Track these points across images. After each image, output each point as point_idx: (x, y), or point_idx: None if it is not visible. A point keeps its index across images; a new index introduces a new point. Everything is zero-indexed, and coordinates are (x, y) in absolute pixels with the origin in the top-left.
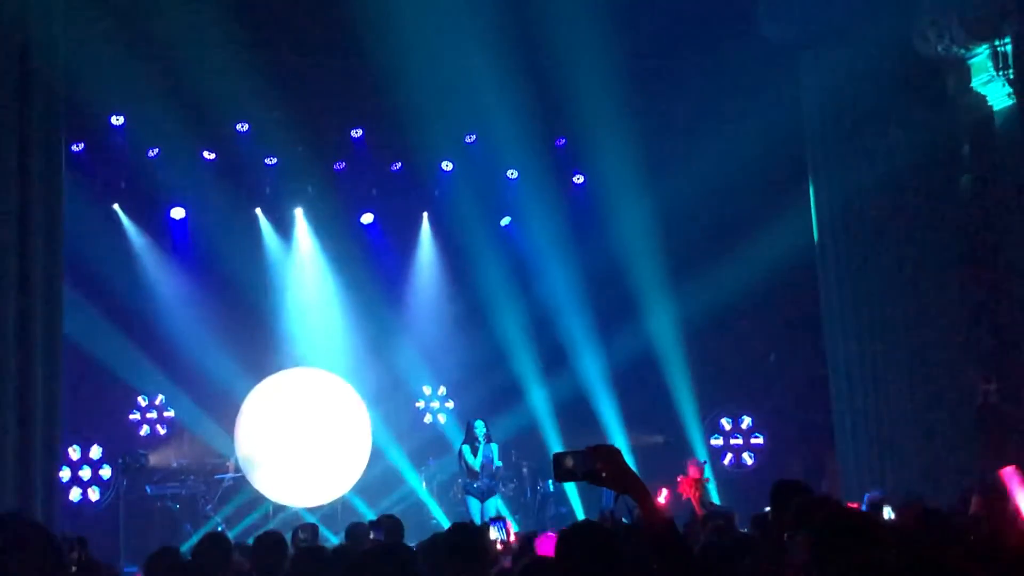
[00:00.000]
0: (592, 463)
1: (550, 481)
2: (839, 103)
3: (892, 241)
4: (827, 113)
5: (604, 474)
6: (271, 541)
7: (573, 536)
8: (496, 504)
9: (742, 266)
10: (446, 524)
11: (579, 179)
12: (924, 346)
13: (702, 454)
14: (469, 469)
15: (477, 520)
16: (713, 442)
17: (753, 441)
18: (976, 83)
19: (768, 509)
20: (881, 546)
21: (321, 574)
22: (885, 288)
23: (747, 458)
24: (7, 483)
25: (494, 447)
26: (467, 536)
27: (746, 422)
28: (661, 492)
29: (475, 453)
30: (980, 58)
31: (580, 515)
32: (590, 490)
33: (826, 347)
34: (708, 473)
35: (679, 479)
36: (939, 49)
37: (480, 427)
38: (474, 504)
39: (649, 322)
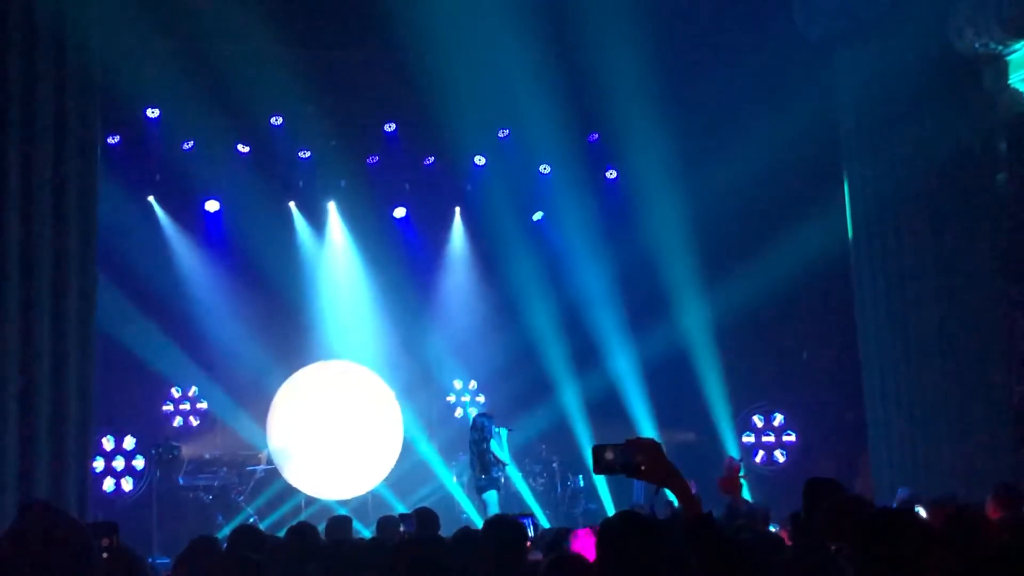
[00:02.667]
0: (631, 456)
1: (580, 476)
2: (874, 99)
3: (927, 239)
4: (862, 109)
5: (643, 467)
6: (305, 532)
7: (616, 527)
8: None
9: (775, 263)
10: (475, 518)
11: (612, 174)
12: (959, 346)
13: (735, 451)
14: (498, 460)
15: (498, 509)
16: (745, 439)
17: (785, 439)
18: (1014, 79)
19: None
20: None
21: (354, 566)
22: (919, 286)
23: (779, 456)
24: (41, 472)
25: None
26: (510, 531)
27: (778, 419)
28: (691, 485)
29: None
30: (1018, 54)
31: (610, 511)
32: (621, 486)
33: (859, 345)
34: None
35: (719, 481)
36: (976, 45)
37: (491, 424)
38: (496, 496)
39: (681, 318)
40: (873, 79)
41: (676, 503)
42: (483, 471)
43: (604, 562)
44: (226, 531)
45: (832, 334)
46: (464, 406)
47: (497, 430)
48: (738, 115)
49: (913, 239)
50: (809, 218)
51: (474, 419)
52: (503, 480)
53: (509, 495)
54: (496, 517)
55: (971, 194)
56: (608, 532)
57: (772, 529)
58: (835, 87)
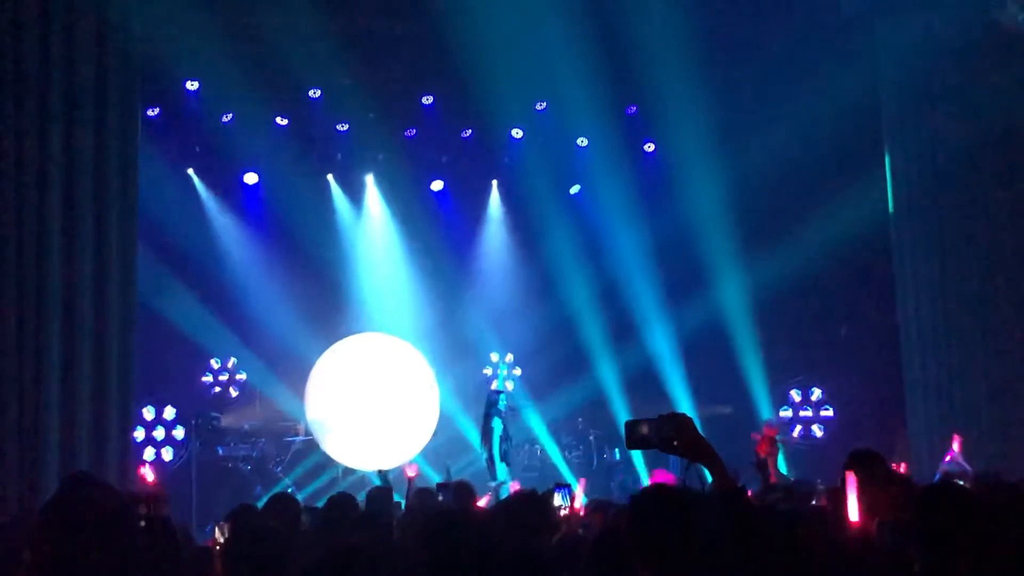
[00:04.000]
0: (664, 431)
1: (616, 450)
2: (915, 72)
3: (968, 214)
4: (903, 82)
5: (676, 442)
6: (343, 502)
7: (647, 500)
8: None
9: (815, 237)
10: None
11: (650, 147)
12: (1000, 322)
13: (771, 415)
14: (504, 435)
15: (498, 482)
16: (782, 414)
17: (823, 413)
18: None
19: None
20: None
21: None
22: (960, 261)
23: (816, 430)
24: (83, 442)
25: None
26: (531, 505)
27: (816, 394)
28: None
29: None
30: None
31: (646, 484)
32: (656, 459)
33: (899, 321)
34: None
35: (754, 436)
36: (1019, 18)
37: (503, 400)
38: (504, 468)
39: (719, 292)
40: (914, 52)
41: (709, 478)
42: (486, 447)
43: (634, 535)
44: (264, 500)
45: (871, 309)
46: (500, 379)
47: (503, 405)
48: (778, 88)
49: (955, 214)
50: (849, 192)
51: (488, 394)
52: (507, 457)
53: (546, 466)
54: (522, 492)
55: (1014, 168)
56: (639, 505)
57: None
58: (876, 60)
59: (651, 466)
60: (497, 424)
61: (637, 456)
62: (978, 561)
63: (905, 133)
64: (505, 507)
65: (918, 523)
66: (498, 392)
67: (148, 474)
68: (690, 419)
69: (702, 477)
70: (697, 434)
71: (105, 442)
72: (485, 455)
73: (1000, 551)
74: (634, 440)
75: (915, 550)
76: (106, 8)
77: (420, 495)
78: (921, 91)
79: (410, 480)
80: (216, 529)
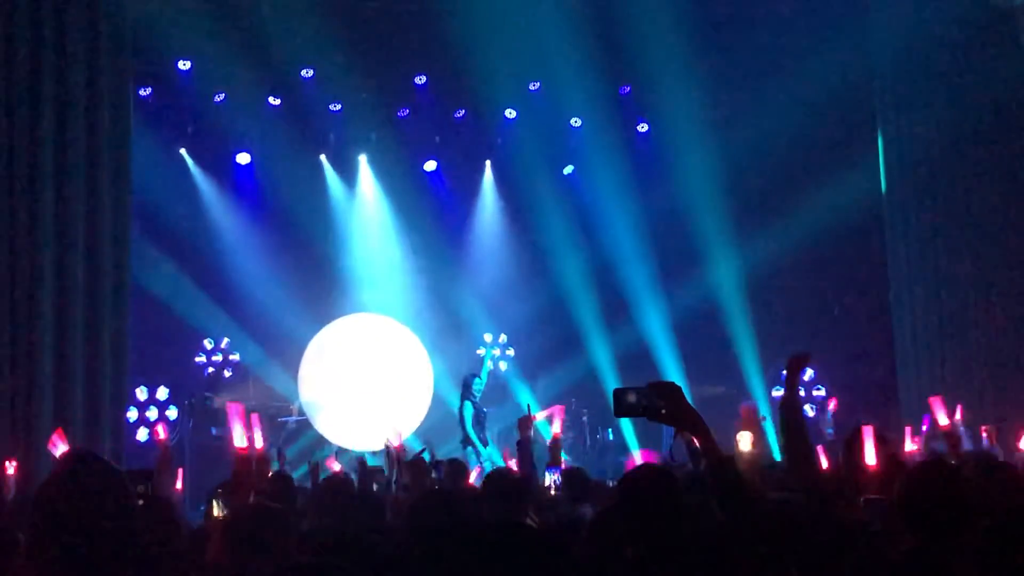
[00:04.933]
0: (652, 399)
1: (609, 430)
2: (909, 52)
3: (961, 192)
4: (897, 61)
5: (664, 411)
6: (337, 483)
7: (636, 480)
8: (492, 451)
9: (808, 216)
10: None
11: (643, 128)
12: (992, 301)
13: (763, 406)
14: (475, 419)
15: (480, 462)
16: (775, 393)
17: (815, 393)
18: None
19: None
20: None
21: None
22: (953, 241)
23: (808, 410)
24: (76, 422)
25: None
26: (503, 482)
27: (808, 374)
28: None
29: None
30: None
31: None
32: (650, 438)
33: (892, 300)
34: (768, 424)
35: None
36: (1016, 1)
37: (479, 384)
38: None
39: (712, 272)
40: (909, 32)
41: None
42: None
43: (624, 515)
44: None
45: (864, 288)
46: (494, 360)
47: (478, 388)
48: (771, 67)
49: (947, 193)
50: (842, 171)
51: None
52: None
53: (538, 447)
54: (495, 471)
55: (1006, 147)
56: (629, 485)
57: None
58: (870, 39)
59: (644, 446)
60: (468, 408)
61: (630, 436)
62: (967, 539)
63: (898, 111)
64: (492, 484)
65: (906, 502)
66: (473, 376)
67: (161, 432)
68: (679, 388)
69: (689, 446)
70: (685, 403)
71: (98, 422)
72: (460, 436)
73: (988, 529)
74: (622, 408)
75: (905, 528)
76: None
77: (414, 471)
78: (915, 70)
79: (398, 452)
80: (214, 503)
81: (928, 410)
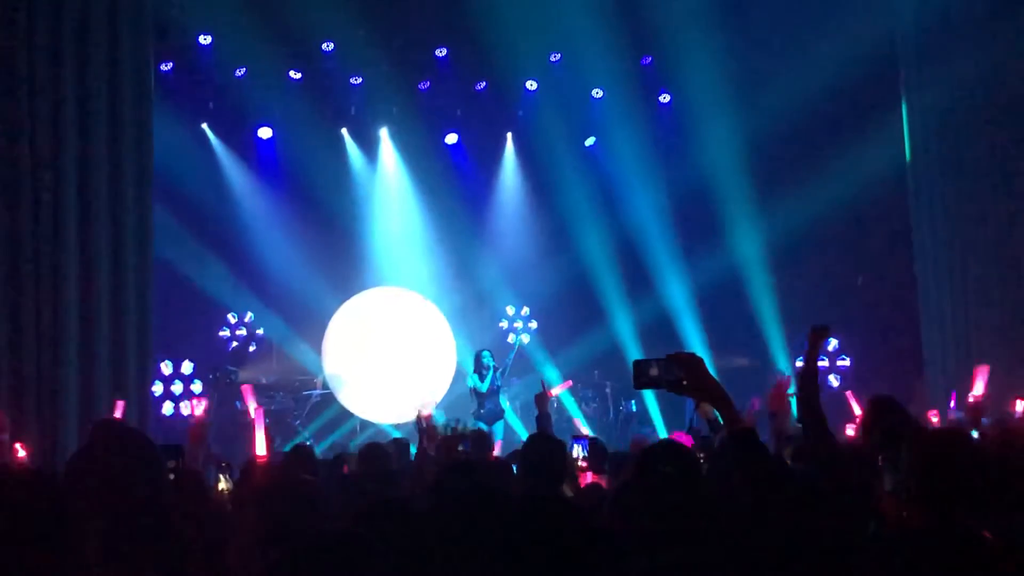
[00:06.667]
0: (673, 371)
1: (632, 402)
2: (935, 19)
3: (986, 162)
4: (922, 30)
5: (684, 382)
6: (376, 451)
7: (656, 454)
8: (502, 427)
9: (831, 187)
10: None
11: (665, 98)
12: (1018, 271)
13: (787, 370)
14: (478, 394)
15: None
16: (798, 364)
17: (839, 363)
18: None
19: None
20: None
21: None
22: (978, 211)
23: (833, 380)
24: (102, 396)
25: (498, 374)
26: (539, 454)
27: (832, 344)
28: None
29: (483, 380)
30: None
31: (663, 435)
32: (673, 410)
33: (916, 270)
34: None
35: (768, 398)
36: None
37: (487, 357)
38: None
39: (735, 243)
40: None
41: (719, 418)
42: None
43: (639, 487)
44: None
45: (888, 258)
46: (516, 332)
47: (496, 372)
48: (794, 36)
49: (973, 162)
50: (866, 141)
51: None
52: (484, 412)
53: (562, 419)
54: (531, 438)
55: None
56: (647, 459)
57: None
58: (894, 6)
59: (667, 417)
60: (473, 380)
61: (654, 408)
62: (984, 514)
63: (924, 80)
64: (522, 455)
65: (922, 474)
66: (482, 350)
67: (198, 407)
68: (700, 359)
69: (709, 418)
70: (707, 374)
71: (123, 396)
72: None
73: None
74: (642, 380)
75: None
76: None
77: (447, 442)
78: (941, 38)
79: (427, 421)
80: (221, 478)
81: (956, 385)
